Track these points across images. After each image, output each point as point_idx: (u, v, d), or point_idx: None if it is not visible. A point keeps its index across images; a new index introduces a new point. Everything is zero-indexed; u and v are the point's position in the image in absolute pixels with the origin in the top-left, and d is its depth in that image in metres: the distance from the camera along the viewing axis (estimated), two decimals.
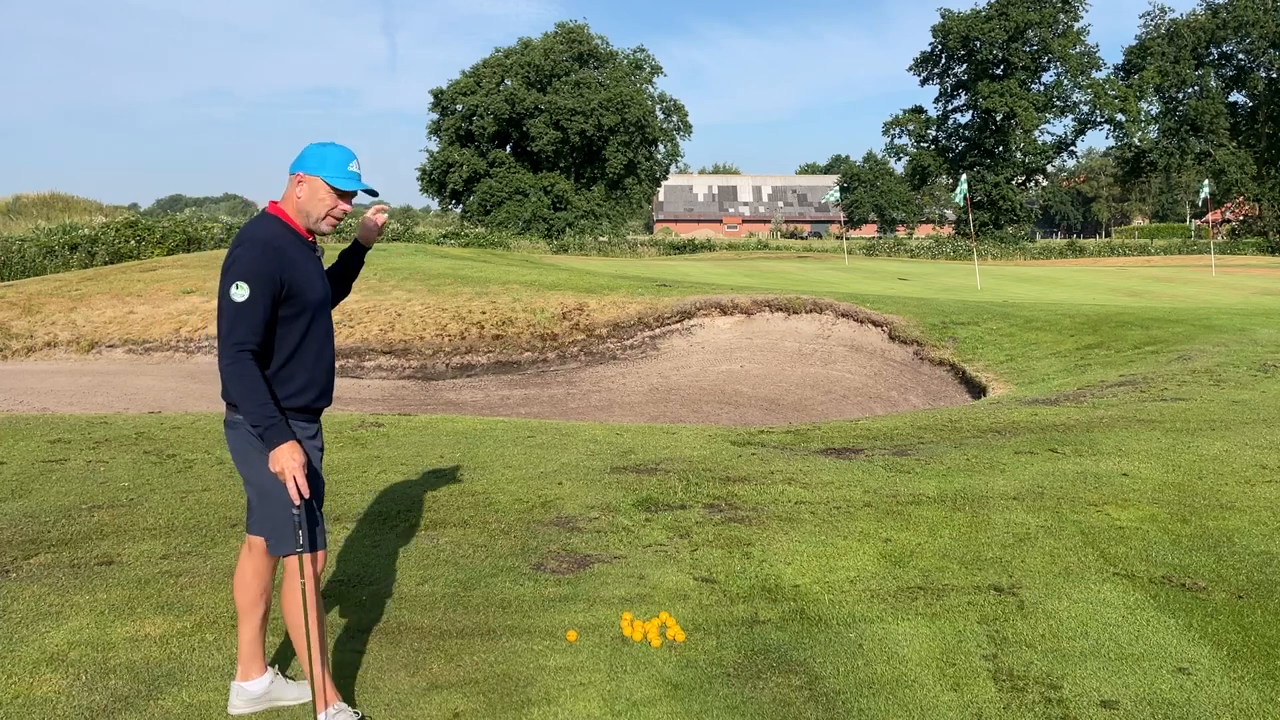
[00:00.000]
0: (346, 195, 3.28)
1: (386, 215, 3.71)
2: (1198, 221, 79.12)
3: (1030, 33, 55.38)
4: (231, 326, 3.06)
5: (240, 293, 3.05)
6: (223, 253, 26.32)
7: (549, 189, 57.14)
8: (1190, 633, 4.02)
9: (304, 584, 3.15)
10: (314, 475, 3.26)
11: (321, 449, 3.42)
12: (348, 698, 3.51)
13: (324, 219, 3.28)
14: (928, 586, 4.51)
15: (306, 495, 3.09)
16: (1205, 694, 3.54)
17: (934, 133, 61.61)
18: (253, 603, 3.40)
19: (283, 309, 3.16)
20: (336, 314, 19.48)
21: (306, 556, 3.20)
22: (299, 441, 3.13)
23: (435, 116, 59.65)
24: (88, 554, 4.91)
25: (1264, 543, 4.96)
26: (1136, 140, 58.72)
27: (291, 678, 3.60)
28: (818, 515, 5.49)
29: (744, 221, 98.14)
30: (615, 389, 15.75)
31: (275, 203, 3.32)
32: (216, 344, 3.16)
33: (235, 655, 3.85)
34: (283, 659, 3.88)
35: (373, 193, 3.42)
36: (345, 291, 3.70)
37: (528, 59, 57.16)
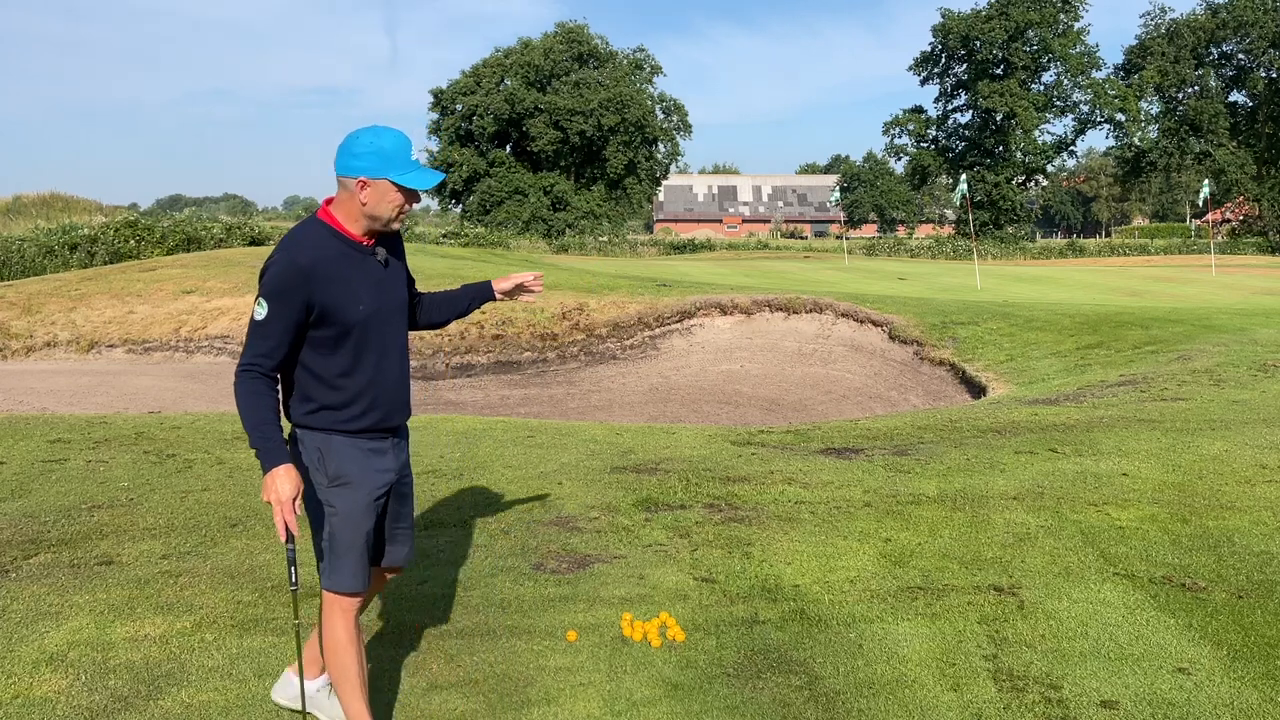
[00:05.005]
0: (417, 191, 2.98)
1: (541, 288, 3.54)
2: (1198, 221, 79.09)
3: (1030, 33, 55.37)
4: (247, 342, 2.89)
5: (259, 310, 2.85)
6: (223, 252, 26.35)
7: (549, 189, 57.15)
8: (1190, 633, 4.02)
9: (297, 624, 3.00)
10: (362, 511, 3.02)
11: (397, 472, 3.17)
12: None
13: (394, 219, 2.99)
14: (928, 586, 4.50)
15: (295, 532, 2.83)
16: (1205, 694, 3.54)
17: (934, 132, 61.60)
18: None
19: (317, 331, 2.91)
20: None
21: (329, 593, 3.02)
22: (296, 468, 2.88)
23: (435, 116, 59.67)
24: (88, 554, 4.91)
25: (1264, 543, 4.96)
26: (1136, 140, 58.72)
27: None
28: (818, 515, 5.49)
29: (744, 221, 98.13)
30: (615, 389, 15.74)
31: (328, 203, 3.02)
32: (227, 345, 3.09)
33: (236, 655, 3.85)
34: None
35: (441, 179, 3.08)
36: (440, 323, 3.46)
37: (527, 59, 57.17)
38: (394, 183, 2.90)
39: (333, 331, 2.92)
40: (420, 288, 3.49)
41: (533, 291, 3.55)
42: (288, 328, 2.87)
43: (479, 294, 3.51)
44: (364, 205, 2.93)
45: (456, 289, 3.51)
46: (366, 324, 2.97)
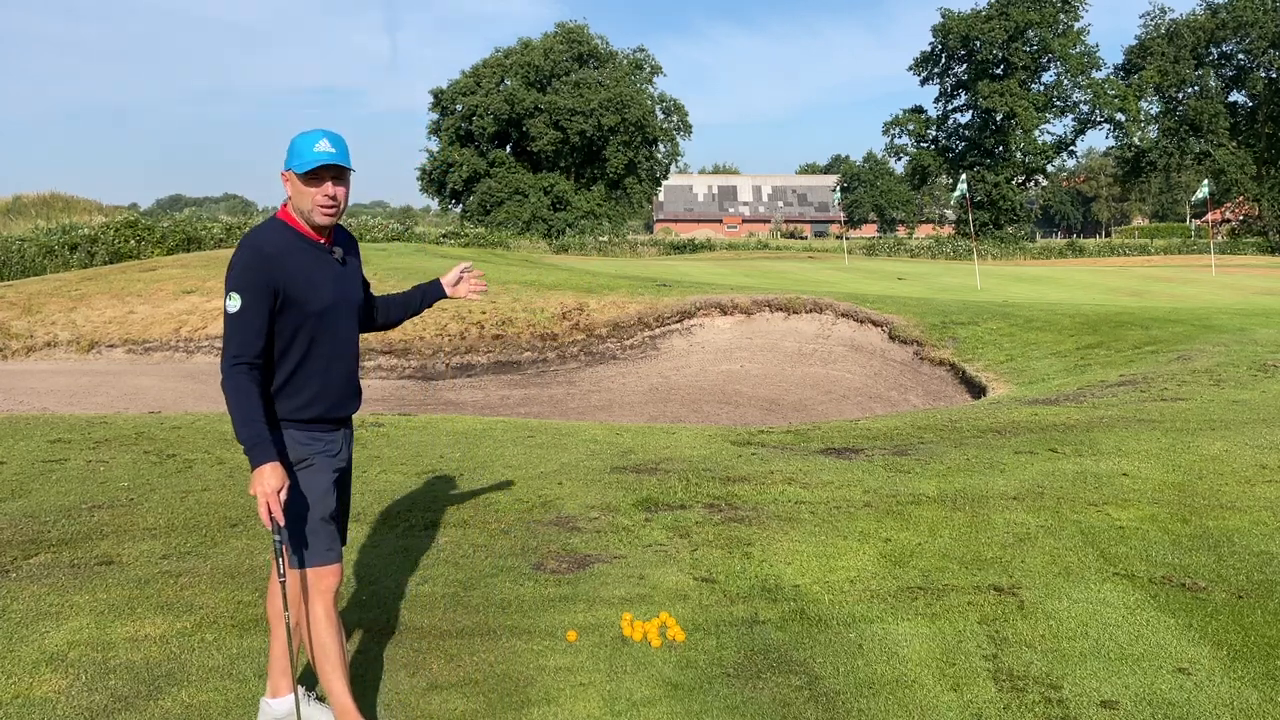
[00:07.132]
0: (323, 177, 3.07)
1: (484, 284, 3.77)
2: (1198, 221, 79.08)
3: (1030, 33, 55.35)
4: (227, 339, 2.99)
5: (232, 303, 2.97)
6: (223, 252, 26.34)
7: (549, 189, 57.10)
8: (1190, 633, 4.02)
9: (287, 615, 3.06)
10: (326, 490, 3.19)
11: (347, 460, 3.32)
12: None
13: (314, 210, 3.09)
14: (928, 586, 4.50)
15: (281, 523, 2.96)
16: (1205, 694, 3.54)
17: (934, 132, 61.57)
18: (278, 614, 3.28)
19: (281, 319, 3.05)
20: None
21: (310, 572, 3.15)
22: (283, 465, 3.00)
23: (435, 116, 59.64)
24: (88, 554, 4.91)
25: (1264, 543, 4.96)
26: (1136, 140, 58.68)
27: (320, 699, 3.44)
28: (818, 515, 5.49)
29: (744, 221, 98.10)
30: (615, 389, 15.74)
31: (284, 205, 3.20)
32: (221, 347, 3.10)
33: (236, 655, 3.84)
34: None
35: (346, 166, 3.13)
36: (396, 322, 3.65)
37: (528, 59, 57.13)
38: (295, 173, 3.07)
39: (294, 320, 3.07)
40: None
41: (475, 284, 3.73)
42: (262, 316, 3.00)
43: (429, 292, 3.71)
44: (290, 199, 3.14)
45: (409, 290, 3.70)
46: (324, 316, 3.13)
